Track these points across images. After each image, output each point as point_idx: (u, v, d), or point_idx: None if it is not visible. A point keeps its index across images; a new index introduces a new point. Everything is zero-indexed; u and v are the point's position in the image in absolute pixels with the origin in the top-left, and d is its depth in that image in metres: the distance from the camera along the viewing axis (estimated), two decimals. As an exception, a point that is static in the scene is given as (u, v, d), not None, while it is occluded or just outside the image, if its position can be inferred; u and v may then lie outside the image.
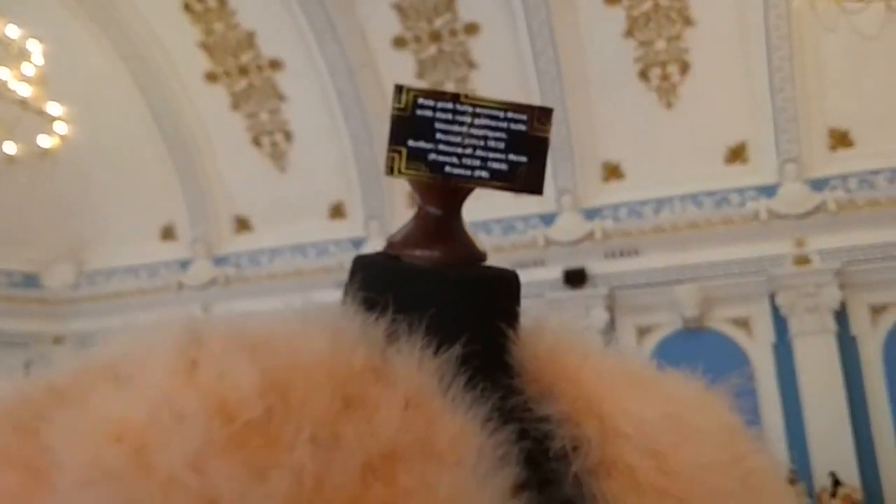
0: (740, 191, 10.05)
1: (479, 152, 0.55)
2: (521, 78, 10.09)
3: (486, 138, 0.55)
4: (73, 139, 8.71)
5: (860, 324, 9.57)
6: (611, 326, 10.38)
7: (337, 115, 10.94)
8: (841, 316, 9.56)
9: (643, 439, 0.50)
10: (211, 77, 11.28)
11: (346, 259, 11.43)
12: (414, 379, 0.47)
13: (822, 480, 8.86)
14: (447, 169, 0.54)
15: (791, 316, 9.63)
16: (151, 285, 12.26)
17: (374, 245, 11.18)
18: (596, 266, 10.55)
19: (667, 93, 10.23)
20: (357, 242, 11.35)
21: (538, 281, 9.90)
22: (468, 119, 0.54)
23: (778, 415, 9.52)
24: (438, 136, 0.54)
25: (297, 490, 0.41)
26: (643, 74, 10.22)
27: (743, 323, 10.03)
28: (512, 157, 0.55)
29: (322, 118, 11.06)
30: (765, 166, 9.97)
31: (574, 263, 10.50)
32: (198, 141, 11.64)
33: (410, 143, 0.54)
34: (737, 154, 10.15)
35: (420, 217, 0.57)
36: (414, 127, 0.54)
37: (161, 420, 0.43)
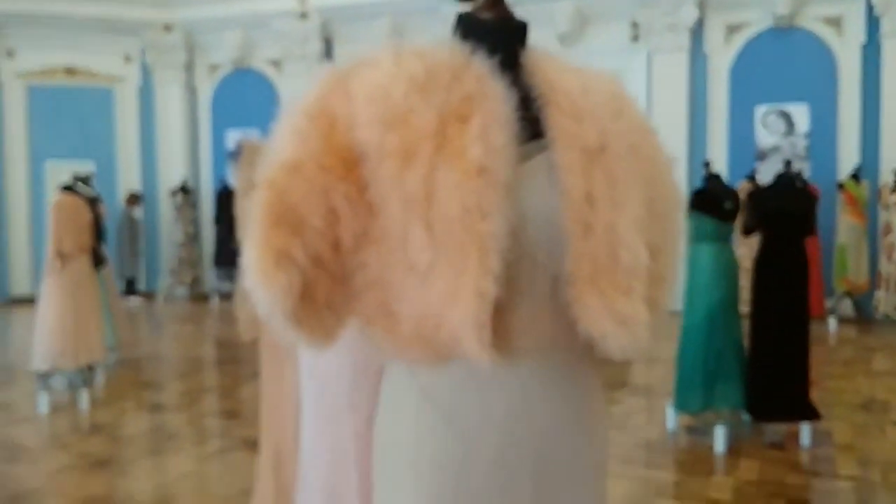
0: None
1: None
2: None
3: None
4: None
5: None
6: (699, 24, 10.42)
7: None
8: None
9: (566, 92, 1.13)
10: None
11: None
12: (480, 68, 1.10)
13: (885, 177, 9.34)
14: None
15: (884, 15, 9.49)
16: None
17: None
18: (690, -39, 10.32)
19: None
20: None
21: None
22: None
23: (856, 114, 9.77)
24: None
25: (442, 99, 1.06)
26: None
27: (835, 22, 9.93)
28: None
29: None
30: None
31: (668, -43, 10.28)
32: None
33: None
34: None
35: None
36: None
37: (392, 80, 1.07)
